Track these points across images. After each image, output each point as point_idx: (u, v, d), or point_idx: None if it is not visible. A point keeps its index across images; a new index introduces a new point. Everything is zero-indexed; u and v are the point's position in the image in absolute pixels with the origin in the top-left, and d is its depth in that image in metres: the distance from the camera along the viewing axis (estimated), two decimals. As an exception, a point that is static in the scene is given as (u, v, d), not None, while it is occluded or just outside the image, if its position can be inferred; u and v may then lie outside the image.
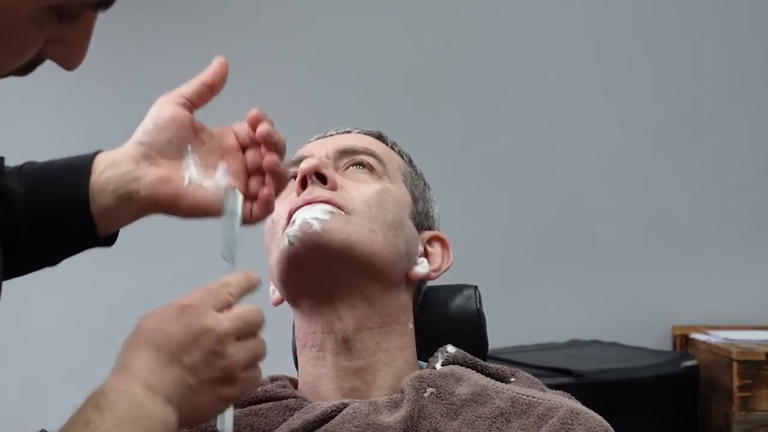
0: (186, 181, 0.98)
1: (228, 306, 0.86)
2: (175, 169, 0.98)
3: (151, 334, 0.83)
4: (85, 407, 0.80)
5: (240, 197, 0.97)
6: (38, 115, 2.84)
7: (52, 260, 1.03)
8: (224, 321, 0.84)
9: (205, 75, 1.00)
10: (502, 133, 2.86)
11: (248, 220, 0.99)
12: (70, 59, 0.81)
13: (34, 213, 0.98)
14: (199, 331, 0.83)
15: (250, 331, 0.86)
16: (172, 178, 0.98)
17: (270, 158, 0.99)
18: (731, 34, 2.89)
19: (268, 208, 1.00)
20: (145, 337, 0.83)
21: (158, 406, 0.81)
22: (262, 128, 0.98)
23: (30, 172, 1.01)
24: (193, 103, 0.99)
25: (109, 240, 1.02)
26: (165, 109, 0.99)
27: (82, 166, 0.99)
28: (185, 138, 0.99)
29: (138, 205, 0.98)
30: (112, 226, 1.00)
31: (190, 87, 1.00)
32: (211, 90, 1.00)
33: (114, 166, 0.98)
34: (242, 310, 0.87)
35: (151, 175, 0.97)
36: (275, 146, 0.99)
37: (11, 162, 1.04)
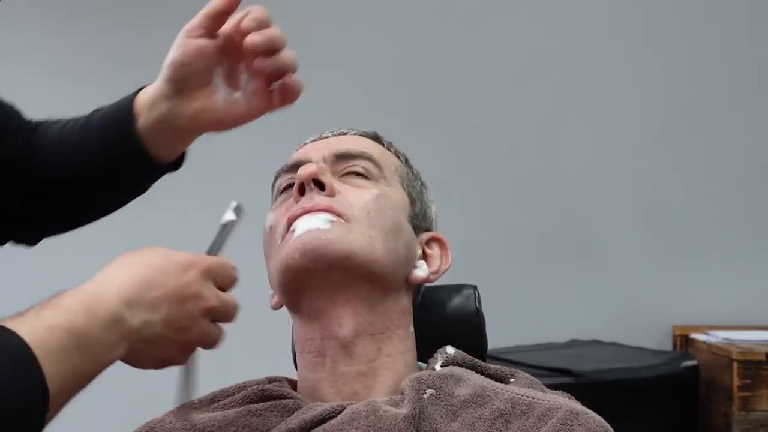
0: (219, 104, 1.04)
1: (225, 288, 0.92)
2: (208, 96, 1.04)
3: (150, 270, 0.86)
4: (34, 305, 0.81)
5: (241, 213, 1.01)
6: (39, 115, 2.84)
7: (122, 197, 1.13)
8: (214, 298, 0.90)
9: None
10: (502, 133, 2.86)
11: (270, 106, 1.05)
12: None
13: (90, 165, 1.08)
14: (193, 293, 0.88)
15: (225, 319, 0.92)
16: (207, 107, 1.04)
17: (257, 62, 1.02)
18: (731, 35, 2.89)
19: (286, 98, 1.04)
20: (143, 268, 0.86)
21: (110, 336, 0.81)
22: (249, 39, 1.01)
23: (72, 128, 1.11)
24: (212, 29, 1.04)
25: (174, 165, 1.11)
26: (188, 44, 1.03)
27: (124, 116, 1.06)
28: (211, 64, 1.04)
29: (186, 134, 1.06)
30: (171, 154, 1.08)
31: (205, 15, 1.03)
32: (228, 10, 1.03)
33: (153, 108, 1.04)
34: (230, 299, 0.92)
35: (189, 110, 1.04)
36: (263, 51, 1.02)
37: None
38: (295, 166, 1.17)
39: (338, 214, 1.09)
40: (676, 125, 2.87)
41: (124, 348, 0.83)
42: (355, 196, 1.12)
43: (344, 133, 1.23)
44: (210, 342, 0.91)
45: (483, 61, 2.88)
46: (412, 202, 1.20)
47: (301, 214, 1.09)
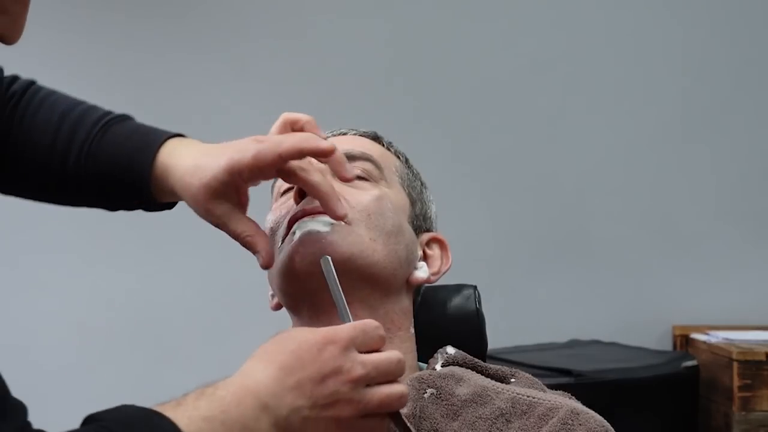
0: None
1: (373, 350, 0.88)
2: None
3: (286, 356, 0.85)
4: (190, 392, 0.82)
5: (330, 263, 0.97)
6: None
7: (110, 203, 1.11)
8: (359, 367, 0.85)
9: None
10: (503, 133, 2.86)
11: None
12: (11, 31, 0.81)
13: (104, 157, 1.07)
14: (333, 370, 0.84)
15: (384, 380, 0.87)
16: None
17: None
18: (732, 35, 2.89)
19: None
20: (280, 356, 0.85)
21: (261, 425, 0.82)
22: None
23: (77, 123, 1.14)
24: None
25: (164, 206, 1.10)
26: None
27: (151, 142, 1.06)
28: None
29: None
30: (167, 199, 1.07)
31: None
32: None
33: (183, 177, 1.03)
34: (381, 358, 0.87)
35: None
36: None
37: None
38: None
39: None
40: (676, 125, 2.87)
41: None
42: (356, 198, 1.12)
43: (344, 133, 1.22)
44: (376, 405, 0.86)
45: (483, 61, 2.88)
46: (413, 202, 1.19)
47: (302, 216, 1.09)
